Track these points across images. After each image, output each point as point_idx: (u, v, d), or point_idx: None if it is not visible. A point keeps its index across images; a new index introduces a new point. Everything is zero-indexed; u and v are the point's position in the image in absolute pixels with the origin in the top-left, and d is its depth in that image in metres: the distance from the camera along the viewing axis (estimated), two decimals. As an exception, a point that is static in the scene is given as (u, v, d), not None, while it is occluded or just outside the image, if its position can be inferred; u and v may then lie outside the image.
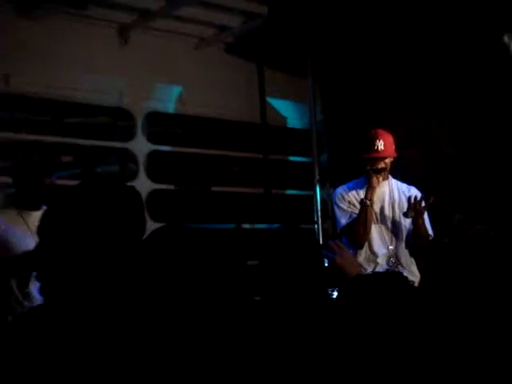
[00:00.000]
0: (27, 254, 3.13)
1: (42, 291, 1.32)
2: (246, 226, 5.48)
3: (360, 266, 3.30)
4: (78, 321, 1.25)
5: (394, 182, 3.94)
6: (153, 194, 5.00)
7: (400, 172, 4.74)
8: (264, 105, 5.82)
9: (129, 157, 5.18)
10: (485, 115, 4.87)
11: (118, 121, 5.24)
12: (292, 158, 6.06)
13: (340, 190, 3.95)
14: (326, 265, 3.04)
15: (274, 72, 5.72)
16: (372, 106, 5.31)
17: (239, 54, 5.53)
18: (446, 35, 4.71)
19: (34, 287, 3.26)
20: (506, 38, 4.77)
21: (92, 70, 4.85)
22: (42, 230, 1.32)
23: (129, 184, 4.14)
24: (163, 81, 5.25)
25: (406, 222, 3.82)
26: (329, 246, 2.36)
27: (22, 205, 3.37)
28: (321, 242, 5.19)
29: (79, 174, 5.09)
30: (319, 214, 5.42)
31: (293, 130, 6.05)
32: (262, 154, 5.81)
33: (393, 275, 1.91)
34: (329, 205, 5.48)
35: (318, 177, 5.56)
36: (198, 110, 5.39)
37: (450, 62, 4.84)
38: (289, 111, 6.04)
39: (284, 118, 6.03)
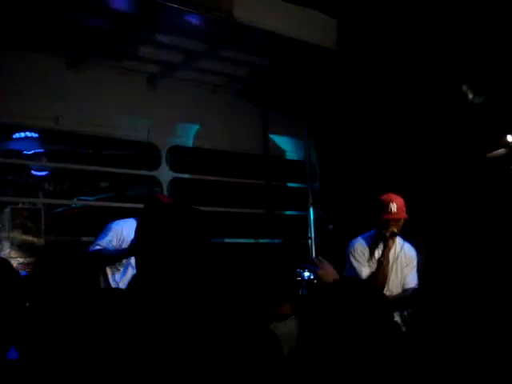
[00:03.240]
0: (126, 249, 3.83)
1: (135, 277, 1.62)
2: (251, 240, 5.98)
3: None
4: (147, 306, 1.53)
5: (399, 242, 4.19)
6: None
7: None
8: (267, 140, 6.23)
9: (155, 183, 5.65)
10: (443, 151, 5.39)
11: (146, 153, 5.73)
12: (290, 184, 6.47)
13: (357, 243, 4.17)
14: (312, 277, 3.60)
15: (276, 113, 6.15)
16: (355, 144, 5.86)
17: (247, 98, 6.02)
18: (416, 85, 5.28)
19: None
20: (464, 88, 5.43)
21: (126, 112, 5.38)
22: (139, 235, 1.62)
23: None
24: (184, 120, 5.77)
25: (404, 276, 4.13)
26: (312, 261, 2.59)
27: None
28: (313, 255, 5.77)
29: (113, 196, 5.60)
30: (312, 230, 5.98)
31: (290, 161, 6.45)
32: (264, 181, 6.24)
33: (361, 282, 2.16)
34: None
35: (311, 200, 6.13)
36: (212, 144, 5.89)
37: (418, 107, 5.38)
38: (287, 145, 6.44)
39: (283, 151, 6.44)
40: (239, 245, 5.83)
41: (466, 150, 5.29)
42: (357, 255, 4.09)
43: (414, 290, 4.01)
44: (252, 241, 5.94)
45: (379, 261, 3.98)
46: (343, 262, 4.28)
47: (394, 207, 3.92)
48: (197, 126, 5.86)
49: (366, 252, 4.08)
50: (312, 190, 6.23)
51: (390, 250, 4.01)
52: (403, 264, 4.10)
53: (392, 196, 4.00)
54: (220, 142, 5.92)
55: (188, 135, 5.81)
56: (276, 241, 5.93)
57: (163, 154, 5.62)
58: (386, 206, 3.94)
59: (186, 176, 5.87)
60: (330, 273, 2.51)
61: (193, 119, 5.80)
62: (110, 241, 4.24)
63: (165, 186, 5.60)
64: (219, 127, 5.86)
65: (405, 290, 4.07)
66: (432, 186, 5.34)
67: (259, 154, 6.20)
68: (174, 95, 5.64)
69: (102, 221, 4.59)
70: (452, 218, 5.25)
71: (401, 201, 4.00)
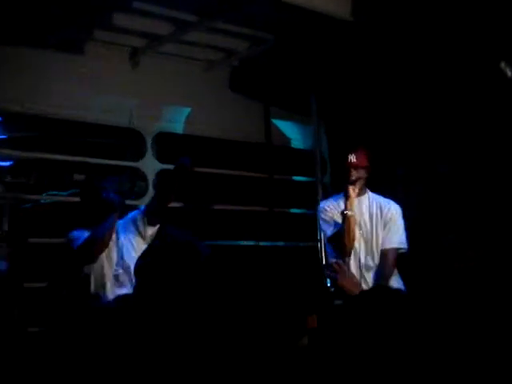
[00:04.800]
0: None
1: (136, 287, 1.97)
2: (250, 243, 5.67)
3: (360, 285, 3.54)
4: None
5: (372, 196, 4.30)
6: None
7: (400, 191, 5.08)
8: (269, 126, 5.96)
9: (139, 175, 5.35)
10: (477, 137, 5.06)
11: (129, 141, 5.41)
12: (296, 178, 6.16)
13: (322, 204, 4.40)
14: (329, 284, 3.43)
15: (280, 95, 5.83)
16: (372, 128, 5.46)
17: (246, 77, 5.69)
18: (444, 62, 4.96)
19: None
20: (502, 65, 5.00)
21: (104, 92, 5.04)
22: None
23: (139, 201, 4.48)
24: (172, 102, 5.43)
25: (382, 236, 4.19)
26: (331, 267, 2.58)
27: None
28: (323, 260, 5.39)
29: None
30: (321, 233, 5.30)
31: (297, 150, 6.16)
32: (266, 174, 5.94)
33: (385, 291, 2.09)
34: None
35: (321, 196, 5.71)
36: (205, 131, 5.54)
37: (448, 85, 5.02)
38: (293, 132, 6.16)
39: (289, 139, 6.14)
40: (237, 248, 5.60)
41: (501, 139, 4.96)
42: (322, 214, 4.27)
43: (393, 251, 4.08)
44: (252, 243, 5.66)
45: (342, 213, 4.08)
46: None
47: (352, 157, 4.11)
48: (188, 110, 5.55)
49: (334, 210, 4.21)
50: (322, 184, 5.92)
51: (352, 199, 4.09)
52: (379, 220, 4.16)
53: (355, 148, 4.21)
54: (215, 128, 5.60)
55: (177, 120, 5.51)
56: (280, 243, 5.75)
57: (148, 141, 5.31)
58: (345, 157, 4.14)
59: None
60: (351, 280, 2.51)
61: (183, 101, 5.50)
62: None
63: (150, 178, 5.27)
64: (214, 111, 5.57)
65: (381, 253, 4.13)
66: (458, 180, 5.14)
67: (260, 141, 5.95)
68: (161, 73, 5.33)
69: (77, 220, 4.35)
70: (481, 216, 4.94)
71: (362, 151, 4.19)
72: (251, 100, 5.84)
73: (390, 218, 4.24)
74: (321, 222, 4.35)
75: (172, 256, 1.97)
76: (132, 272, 3.65)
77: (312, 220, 5.55)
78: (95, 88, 5.01)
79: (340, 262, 2.71)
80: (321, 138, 6.02)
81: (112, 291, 3.98)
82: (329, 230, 4.25)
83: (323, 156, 6.11)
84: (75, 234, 4.06)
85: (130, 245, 4.03)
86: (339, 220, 4.19)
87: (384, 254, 4.18)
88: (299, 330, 2.17)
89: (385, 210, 4.25)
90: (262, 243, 5.68)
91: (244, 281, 2.38)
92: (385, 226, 4.22)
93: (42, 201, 5.39)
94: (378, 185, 4.63)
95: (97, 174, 5.06)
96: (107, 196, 3.96)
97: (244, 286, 2.29)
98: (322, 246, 5.46)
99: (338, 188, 5.46)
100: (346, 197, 4.16)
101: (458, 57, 4.88)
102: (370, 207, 4.26)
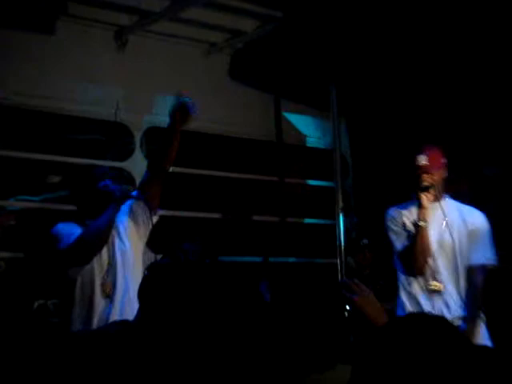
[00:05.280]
0: None
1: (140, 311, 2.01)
2: (257, 259, 5.50)
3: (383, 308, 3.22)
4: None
5: (450, 203, 4.03)
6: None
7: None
8: (280, 121, 5.86)
9: (125, 178, 4.98)
10: None
11: (113, 136, 5.26)
12: (311, 182, 6.08)
13: (392, 211, 4.09)
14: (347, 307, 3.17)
15: (292, 84, 5.73)
16: (406, 123, 5.41)
17: (253, 62, 5.57)
18: (479, 55, 4.86)
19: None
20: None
21: (84, 78, 4.88)
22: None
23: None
24: (166, 92, 4.94)
25: (468, 251, 3.89)
26: (347, 285, 2.38)
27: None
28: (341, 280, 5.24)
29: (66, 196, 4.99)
30: (342, 247, 5.34)
31: (313, 149, 6.07)
32: (277, 177, 5.83)
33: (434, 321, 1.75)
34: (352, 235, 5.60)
35: (341, 204, 5.48)
36: (205, 126, 5.33)
37: (487, 84, 4.98)
38: (308, 128, 6.05)
39: (303, 136, 6.04)
40: (240, 265, 5.42)
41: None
42: (391, 223, 4.02)
43: (484, 271, 3.77)
44: (259, 260, 5.47)
45: (414, 224, 3.87)
46: (382, 290, 4.33)
47: (423, 158, 3.84)
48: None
49: (405, 219, 3.98)
50: (342, 189, 5.58)
51: (425, 208, 3.85)
52: (462, 232, 3.90)
53: (425, 146, 3.94)
54: (216, 123, 5.42)
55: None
56: (291, 259, 5.61)
57: (137, 137, 5.15)
58: (414, 159, 3.88)
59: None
60: (372, 303, 2.32)
61: (177, 91, 4.83)
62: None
63: (138, 181, 4.92)
64: (215, 102, 5.35)
65: (468, 272, 3.87)
66: (507, 183, 5.06)
67: (269, 139, 5.80)
68: (153, 57, 5.15)
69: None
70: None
71: (435, 152, 3.93)
72: (259, 90, 5.69)
73: (477, 229, 3.93)
74: (389, 232, 4.06)
75: (184, 279, 1.96)
76: (124, 282, 3.81)
77: (330, 232, 5.45)
78: (73, 74, 4.85)
79: (357, 280, 2.51)
80: (341, 135, 5.76)
81: (100, 306, 3.77)
82: (399, 243, 3.99)
83: (344, 157, 5.92)
84: (61, 230, 3.81)
85: (123, 244, 3.85)
86: (411, 232, 3.96)
87: (472, 272, 3.88)
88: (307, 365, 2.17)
89: (469, 219, 3.96)
90: (270, 259, 5.54)
91: (251, 307, 2.38)
92: (470, 238, 3.93)
93: (9, 207, 5.27)
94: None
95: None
96: (105, 186, 3.80)
97: (252, 314, 2.28)
98: (342, 262, 5.32)
99: (361, 194, 5.96)
100: (419, 206, 3.91)
101: (492, 46, 4.79)
102: (449, 215, 3.97)
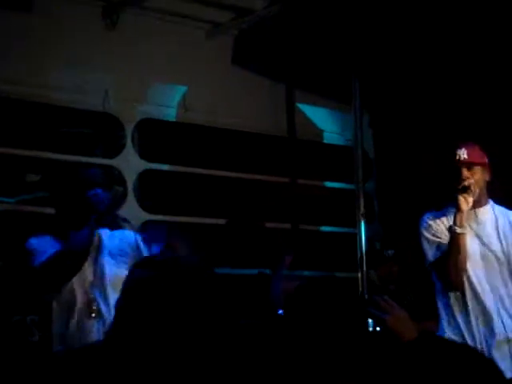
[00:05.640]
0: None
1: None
2: (266, 271, 5.20)
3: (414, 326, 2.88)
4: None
5: (496, 208, 3.91)
6: (145, 225, 4.87)
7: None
8: (293, 113, 5.69)
9: (114, 177, 4.94)
10: None
11: (101, 129, 5.10)
12: (329, 184, 5.90)
13: (427, 216, 3.97)
14: (373, 327, 3.27)
15: (307, 72, 5.53)
16: (438, 118, 5.24)
17: (262, 46, 5.35)
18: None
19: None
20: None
21: (68, 63, 4.69)
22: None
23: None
24: (162, 78, 5.16)
25: None
26: (377, 303, 2.31)
27: None
28: (365, 297, 5.11)
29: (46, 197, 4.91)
30: (364, 258, 5.13)
31: (331, 146, 5.92)
32: (288, 178, 5.65)
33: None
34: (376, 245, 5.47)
35: (362, 209, 5.32)
36: (206, 118, 5.27)
37: None
38: (326, 122, 5.89)
39: (319, 132, 5.88)
40: (247, 278, 5.23)
41: None
42: (424, 230, 3.88)
43: None
44: (268, 272, 5.12)
45: (449, 229, 3.73)
46: (411, 307, 4.19)
47: (462, 152, 3.72)
48: (182, 89, 5.20)
49: (441, 225, 3.85)
50: (364, 192, 5.41)
51: (463, 212, 3.72)
52: (508, 236, 3.79)
53: (463, 143, 3.84)
54: (219, 115, 5.27)
55: (168, 102, 5.20)
56: (305, 273, 5.35)
57: (128, 131, 5.01)
58: (453, 154, 3.78)
59: (163, 167, 5.23)
60: (404, 323, 2.23)
61: (176, 77, 5.17)
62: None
63: (130, 181, 4.94)
64: (218, 91, 5.24)
65: None
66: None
67: (280, 134, 5.60)
68: (147, 38, 4.96)
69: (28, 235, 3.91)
70: None
71: (476, 148, 3.82)
72: (269, 78, 5.50)
73: None
74: (423, 241, 3.89)
75: (171, 291, 1.72)
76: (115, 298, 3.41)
77: (350, 242, 5.32)
78: (56, 58, 4.67)
79: (387, 298, 2.43)
80: (364, 131, 5.56)
81: (80, 327, 3.66)
82: (431, 253, 3.81)
83: (366, 155, 5.69)
84: (35, 244, 3.70)
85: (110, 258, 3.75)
86: (445, 241, 3.81)
87: None
88: None
89: None
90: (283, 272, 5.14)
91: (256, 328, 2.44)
92: None
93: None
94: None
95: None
96: (95, 195, 3.64)
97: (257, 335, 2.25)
98: (363, 276, 5.16)
99: (385, 198, 5.85)
100: (457, 209, 3.74)
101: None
102: (496, 222, 3.83)
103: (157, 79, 5.10)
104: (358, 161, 5.42)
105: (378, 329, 3.21)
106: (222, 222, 5.34)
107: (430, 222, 3.89)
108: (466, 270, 3.74)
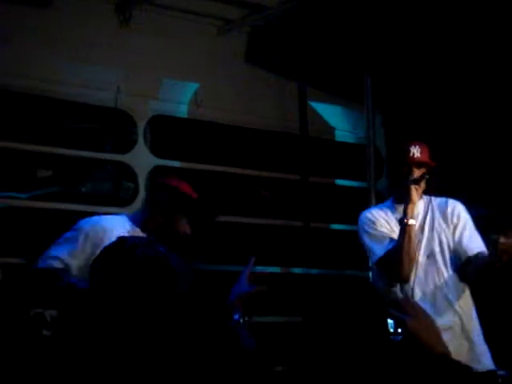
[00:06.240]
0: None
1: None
2: (276, 269, 5.30)
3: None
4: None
5: (428, 198, 4.09)
6: None
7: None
8: (305, 111, 5.64)
9: (125, 173, 5.07)
10: None
11: (113, 125, 5.07)
12: (340, 182, 5.88)
13: (367, 214, 4.12)
14: (392, 330, 2.98)
15: (320, 69, 5.49)
16: (451, 116, 5.18)
17: (274, 43, 5.33)
18: None
19: None
20: None
21: (81, 58, 4.72)
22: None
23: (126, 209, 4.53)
24: (174, 75, 5.14)
25: (455, 248, 3.91)
26: (399, 305, 2.27)
27: None
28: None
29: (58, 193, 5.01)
30: None
31: (343, 144, 5.87)
32: (299, 175, 5.60)
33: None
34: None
35: None
36: (218, 115, 5.24)
37: None
38: (338, 120, 5.84)
39: (331, 129, 5.83)
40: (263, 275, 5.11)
41: None
42: (367, 227, 4.01)
43: (484, 257, 3.77)
44: (279, 270, 5.27)
45: (400, 221, 3.87)
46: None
47: (416, 150, 3.93)
48: (194, 86, 5.19)
49: (382, 221, 4.01)
50: (376, 190, 5.43)
51: (413, 203, 3.89)
52: (443, 228, 3.95)
53: (414, 141, 4.04)
54: (231, 112, 5.25)
55: (180, 99, 5.18)
56: (315, 271, 5.37)
57: (140, 127, 5.01)
58: (405, 151, 3.97)
59: (175, 164, 5.18)
60: (427, 327, 2.18)
61: (188, 73, 5.16)
62: (76, 250, 3.67)
63: (141, 177, 4.94)
64: (229, 87, 5.23)
65: (473, 258, 3.84)
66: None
67: (293, 132, 5.56)
68: (160, 35, 4.98)
69: (40, 231, 4.29)
70: None
71: (425, 146, 4.02)
72: (281, 75, 5.47)
73: (459, 220, 3.98)
74: (365, 238, 4.04)
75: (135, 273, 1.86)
76: None
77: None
78: (68, 53, 4.67)
79: (410, 299, 2.68)
80: (376, 129, 5.56)
81: None
82: (379, 248, 3.95)
83: (379, 153, 5.67)
84: (59, 250, 3.73)
85: None
86: (393, 235, 3.93)
87: (469, 262, 3.86)
88: None
89: (449, 211, 4.01)
90: (292, 270, 5.40)
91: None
92: (454, 231, 3.95)
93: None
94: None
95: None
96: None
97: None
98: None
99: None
100: (406, 201, 3.90)
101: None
102: (430, 213, 4.01)
103: (169, 76, 5.11)
104: (369, 159, 5.44)
105: (399, 330, 3.61)
106: (233, 219, 5.29)
107: (372, 219, 4.03)
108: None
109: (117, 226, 3.74)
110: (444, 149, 5.06)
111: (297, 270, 5.38)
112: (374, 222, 4.07)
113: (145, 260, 1.91)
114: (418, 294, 3.90)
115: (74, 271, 3.67)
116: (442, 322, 3.60)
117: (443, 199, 4.12)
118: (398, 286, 3.87)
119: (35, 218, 4.80)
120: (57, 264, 3.68)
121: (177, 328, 1.87)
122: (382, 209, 4.16)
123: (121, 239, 2.25)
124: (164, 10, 4.95)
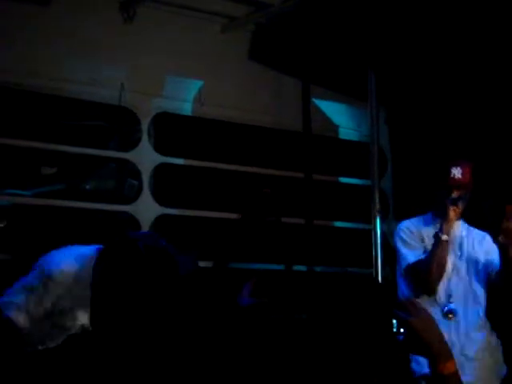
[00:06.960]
0: None
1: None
2: (279, 267, 5.37)
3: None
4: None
5: (466, 226, 4.22)
6: (160, 220, 4.88)
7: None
8: (308, 108, 5.64)
9: (129, 171, 5.05)
10: None
11: (117, 122, 5.09)
12: (344, 180, 5.89)
13: (407, 223, 4.25)
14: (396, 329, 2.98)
15: (323, 67, 5.51)
16: (455, 116, 5.21)
17: (279, 40, 5.34)
18: None
19: None
20: None
21: (85, 56, 4.72)
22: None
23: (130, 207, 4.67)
24: (178, 73, 5.13)
25: (485, 270, 4.05)
26: (402, 304, 2.24)
27: None
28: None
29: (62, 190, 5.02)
30: (379, 254, 5.16)
31: (346, 142, 5.88)
32: (303, 173, 5.61)
33: None
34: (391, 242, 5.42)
35: (378, 206, 5.32)
36: (222, 113, 5.25)
37: None
38: (342, 118, 5.86)
39: (335, 127, 5.84)
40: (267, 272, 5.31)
41: None
42: (405, 235, 4.15)
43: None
44: (281, 267, 5.32)
45: (435, 236, 3.97)
46: None
47: (457, 171, 4.00)
48: (199, 83, 5.18)
49: (419, 233, 4.16)
50: (380, 189, 5.40)
51: (451, 221, 3.99)
52: (472, 255, 4.09)
53: (457, 161, 4.10)
54: (235, 109, 5.27)
55: (184, 96, 5.17)
56: (319, 268, 5.43)
57: (144, 124, 5.01)
58: (447, 171, 4.04)
59: (179, 161, 5.20)
60: (429, 327, 2.14)
61: (192, 71, 5.15)
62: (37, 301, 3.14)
63: (146, 175, 4.95)
64: (234, 86, 5.25)
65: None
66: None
67: (295, 129, 5.59)
68: (164, 32, 4.99)
69: (44, 230, 4.34)
70: None
71: (467, 166, 4.09)
72: (284, 73, 5.48)
73: (493, 253, 4.05)
74: (400, 244, 4.15)
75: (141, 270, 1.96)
76: None
77: (365, 238, 5.33)
78: (72, 51, 4.68)
79: (414, 300, 2.47)
80: (380, 127, 5.51)
81: None
82: (412, 256, 4.07)
83: (382, 151, 5.68)
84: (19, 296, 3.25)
85: None
86: (427, 247, 4.04)
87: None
88: None
89: (483, 241, 4.15)
90: (295, 268, 5.39)
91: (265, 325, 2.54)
92: (486, 255, 4.09)
93: (-3, 203, 5.27)
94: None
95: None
96: None
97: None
98: (378, 273, 5.22)
99: (401, 195, 5.85)
100: (444, 219, 4.01)
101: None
102: (461, 235, 4.14)
103: (173, 73, 5.10)
104: (373, 157, 5.41)
105: (401, 330, 3.61)
106: (236, 216, 5.30)
107: (410, 228, 4.17)
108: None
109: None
110: (449, 146, 5.17)
111: (300, 268, 5.38)
112: (411, 231, 4.18)
113: (146, 250, 2.00)
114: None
115: None
116: (474, 335, 3.92)
117: (482, 232, 4.23)
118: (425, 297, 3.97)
119: (39, 215, 4.77)
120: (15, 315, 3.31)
121: (177, 309, 1.98)
122: (421, 221, 4.27)
123: (123, 235, 2.38)
124: (168, 8, 4.93)
